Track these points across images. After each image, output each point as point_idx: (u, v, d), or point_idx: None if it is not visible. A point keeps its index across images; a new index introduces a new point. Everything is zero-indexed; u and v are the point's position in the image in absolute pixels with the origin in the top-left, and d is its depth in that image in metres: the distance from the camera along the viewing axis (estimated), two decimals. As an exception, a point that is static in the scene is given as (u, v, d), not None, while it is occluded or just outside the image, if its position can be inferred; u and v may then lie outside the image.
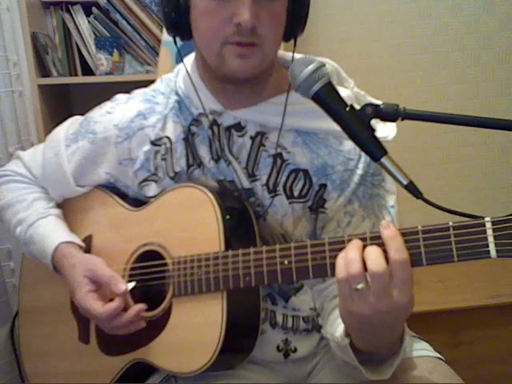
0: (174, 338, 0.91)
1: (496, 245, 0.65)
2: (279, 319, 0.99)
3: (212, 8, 0.83)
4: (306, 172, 0.94)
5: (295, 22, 0.88)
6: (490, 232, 0.66)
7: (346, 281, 0.69)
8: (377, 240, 0.71)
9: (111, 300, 0.92)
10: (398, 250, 0.68)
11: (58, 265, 1.00)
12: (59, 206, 1.10)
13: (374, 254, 0.68)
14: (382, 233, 0.70)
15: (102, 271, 0.94)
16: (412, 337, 0.99)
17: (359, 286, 0.68)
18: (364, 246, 0.71)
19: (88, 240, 1.05)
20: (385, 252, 0.69)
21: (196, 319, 0.88)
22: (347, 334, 0.79)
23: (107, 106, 1.05)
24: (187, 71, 0.97)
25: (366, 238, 0.72)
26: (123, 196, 1.05)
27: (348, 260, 0.69)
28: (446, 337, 1.77)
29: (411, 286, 0.68)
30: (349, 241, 0.75)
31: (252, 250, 0.84)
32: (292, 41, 0.92)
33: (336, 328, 0.84)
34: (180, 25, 0.88)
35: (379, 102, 0.90)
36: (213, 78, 0.92)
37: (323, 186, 0.94)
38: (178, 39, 0.92)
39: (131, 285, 0.94)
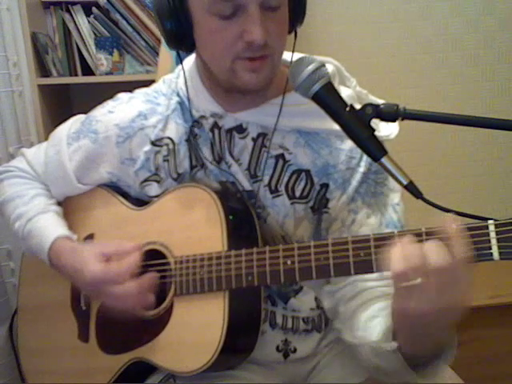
0: (174, 337, 0.91)
1: (499, 247, 0.65)
2: (279, 320, 0.99)
3: (220, 27, 0.81)
4: (307, 172, 0.93)
5: (295, 15, 0.88)
6: (492, 235, 0.65)
7: (405, 274, 0.65)
8: (430, 236, 0.68)
9: None
10: (464, 246, 0.64)
11: (55, 256, 0.99)
12: (61, 204, 1.09)
13: (437, 248, 0.64)
14: (446, 228, 0.65)
15: (107, 244, 0.95)
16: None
17: (418, 281, 0.64)
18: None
19: (90, 239, 1.05)
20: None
21: (197, 319, 0.88)
22: (394, 336, 0.75)
23: (109, 105, 1.05)
24: (185, 77, 0.97)
25: (421, 234, 0.69)
26: (126, 195, 1.05)
27: (406, 253, 0.65)
28: (446, 337, 1.77)
29: (472, 284, 0.65)
30: (353, 242, 0.74)
31: (255, 249, 0.84)
32: (292, 39, 0.92)
33: (371, 332, 0.81)
34: (182, 41, 0.86)
35: (381, 102, 0.91)
36: (215, 85, 0.92)
37: (325, 186, 0.94)
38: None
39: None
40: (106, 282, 0.91)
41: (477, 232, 0.66)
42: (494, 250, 0.65)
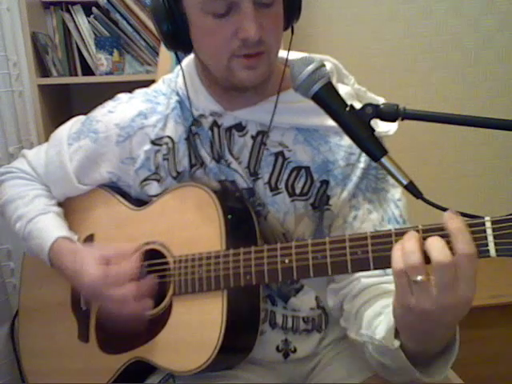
0: (173, 336, 0.91)
1: (496, 244, 0.65)
2: (279, 320, 0.99)
3: (215, 26, 0.82)
4: (307, 169, 0.94)
5: (291, 11, 0.87)
6: (489, 231, 0.65)
7: (405, 273, 0.65)
8: (430, 232, 0.67)
9: None
10: (466, 242, 0.63)
11: (56, 257, 0.99)
12: (61, 205, 1.10)
13: (438, 245, 0.64)
14: (447, 224, 0.65)
15: (107, 246, 0.95)
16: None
17: (419, 278, 0.64)
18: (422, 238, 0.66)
19: (90, 239, 1.05)
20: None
21: (196, 318, 0.88)
22: (396, 334, 0.74)
23: (109, 105, 1.05)
24: (184, 76, 0.97)
25: (419, 231, 0.68)
26: (125, 195, 1.05)
27: (406, 250, 0.65)
28: (446, 337, 1.76)
29: (476, 281, 0.64)
30: (350, 240, 0.74)
31: (253, 248, 0.84)
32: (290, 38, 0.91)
33: (374, 330, 0.81)
34: (179, 42, 0.87)
35: (380, 99, 0.91)
36: (213, 83, 0.92)
37: (325, 183, 0.94)
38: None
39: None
40: (105, 286, 0.91)
41: (473, 229, 0.66)
42: (491, 247, 0.65)
